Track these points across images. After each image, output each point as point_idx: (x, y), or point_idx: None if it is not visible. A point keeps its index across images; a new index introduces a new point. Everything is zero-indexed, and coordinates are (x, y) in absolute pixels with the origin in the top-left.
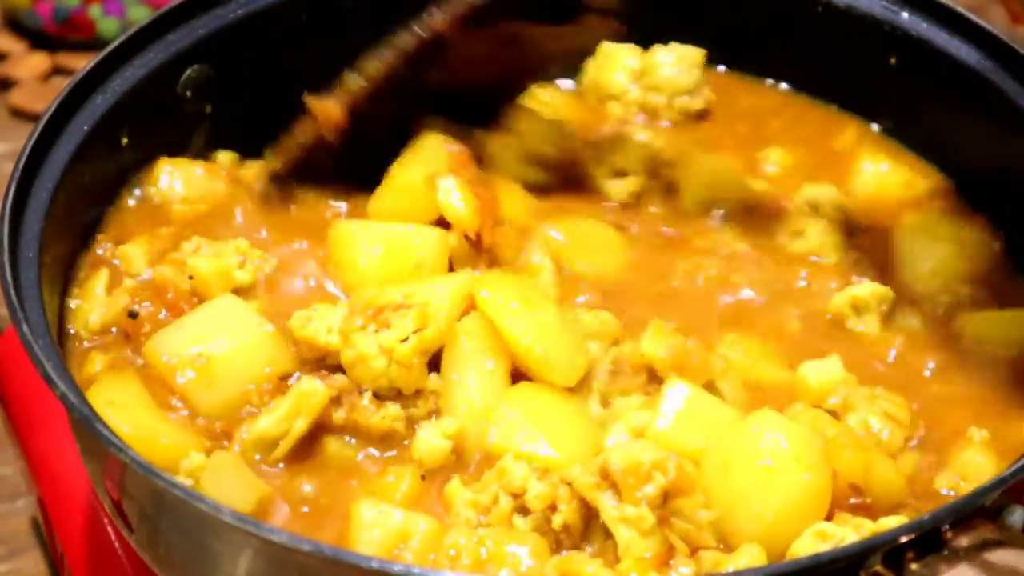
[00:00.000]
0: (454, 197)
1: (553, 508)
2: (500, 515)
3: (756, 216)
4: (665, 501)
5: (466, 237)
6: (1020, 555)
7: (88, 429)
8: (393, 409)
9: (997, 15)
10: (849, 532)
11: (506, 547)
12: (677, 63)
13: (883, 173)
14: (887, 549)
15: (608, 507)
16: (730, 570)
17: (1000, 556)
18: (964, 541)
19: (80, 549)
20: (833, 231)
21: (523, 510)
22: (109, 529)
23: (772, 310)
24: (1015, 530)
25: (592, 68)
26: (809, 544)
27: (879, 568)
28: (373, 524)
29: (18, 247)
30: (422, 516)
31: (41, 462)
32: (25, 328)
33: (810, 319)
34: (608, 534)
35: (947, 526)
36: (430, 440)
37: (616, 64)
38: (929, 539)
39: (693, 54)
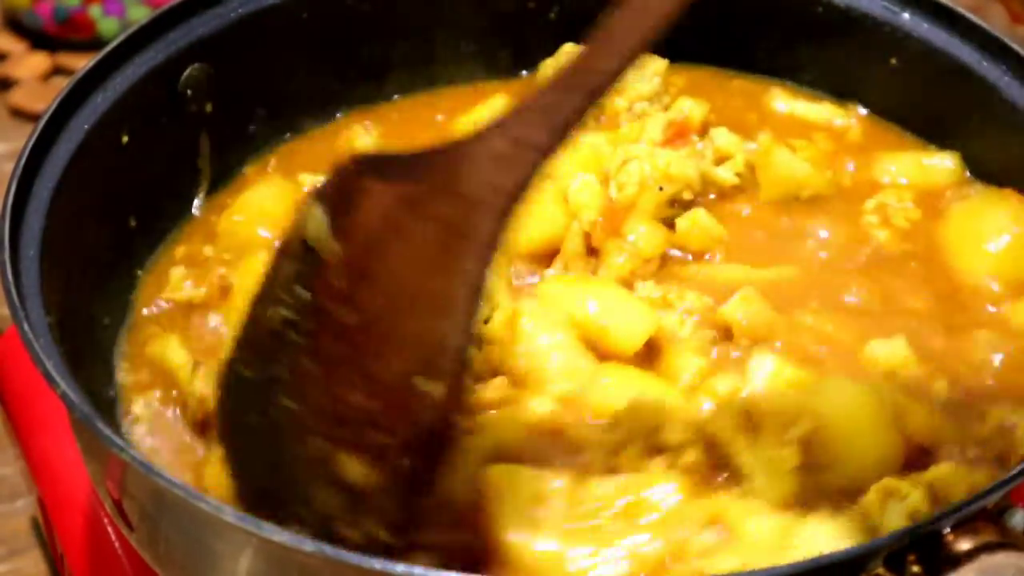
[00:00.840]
0: (580, 191)
1: (682, 449)
2: (633, 456)
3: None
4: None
5: (584, 235)
6: (1022, 558)
7: (89, 428)
8: None
9: (997, 15)
10: (909, 487)
11: (649, 489)
12: (639, 69)
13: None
14: (889, 552)
15: (747, 450)
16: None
17: (1002, 559)
18: (966, 544)
19: (80, 549)
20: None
21: (654, 452)
22: (109, 529)
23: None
24: (1017, 532)
25: (551, 69)
26: (874, 499)
27: (881, 571)
28: (509, 489)
29: (19, 246)
30: (551, 473)
31: (41, 462)
32: (26, 327)
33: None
34: (736, 480)
35: (948, 528)
36: (538, 408)
37: None
38: (930, 541)
39: (656, 63)
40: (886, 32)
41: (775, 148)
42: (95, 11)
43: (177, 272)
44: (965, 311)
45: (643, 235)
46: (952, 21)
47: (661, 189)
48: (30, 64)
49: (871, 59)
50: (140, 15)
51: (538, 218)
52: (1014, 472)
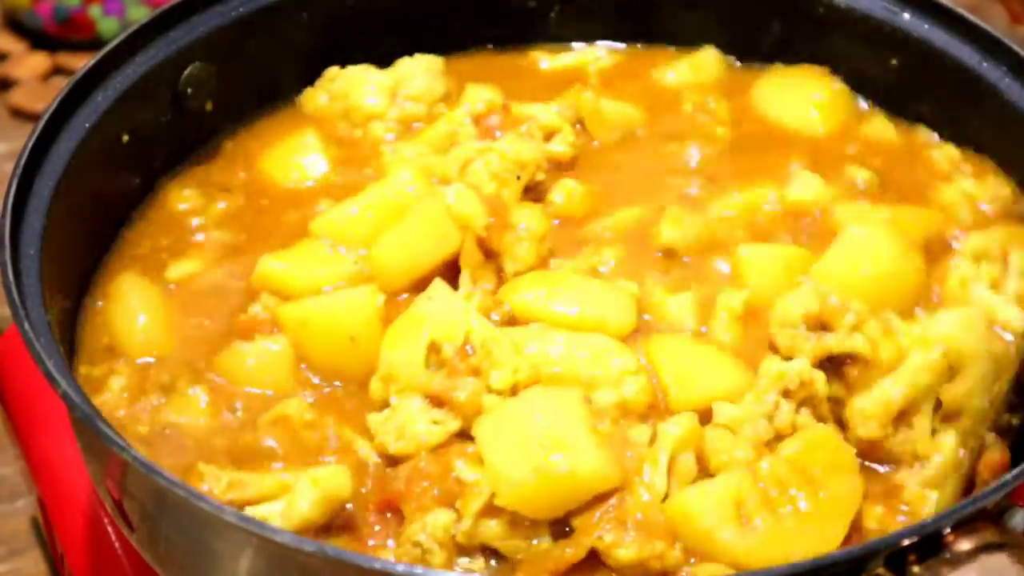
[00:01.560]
0: (461, 200)
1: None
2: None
3: None
4: None
5: (478, 241)
6: (1022, 558)
7: (89, 428)
8: None
9: (997, 15)
10: None
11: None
12: (426, 71)
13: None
14: (889, 552)
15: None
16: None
17: (1002, 559)
18: (966, 544)
19: (80, 549)
20: None
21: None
22: (109, 529)
23: None
24: (1017, 533)
25: (329, 95)
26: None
27: (881, 571)
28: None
29: (19, 245)
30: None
31: (41, 462)
32: (27, 326)
33: None
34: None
35: (949, 529)
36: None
37: (363, 85)
38: (931, 542)
39: (435, 62)
40: (886, 32)
41: (600, 101)
42: (95, 11)
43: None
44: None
45: (531, 218)
46: (952, 21)
47: (519, 178)
48: (30, 64)
49: (871, 59)
50: (140, 15)
51: (432, 240)
52: (1015, 473)
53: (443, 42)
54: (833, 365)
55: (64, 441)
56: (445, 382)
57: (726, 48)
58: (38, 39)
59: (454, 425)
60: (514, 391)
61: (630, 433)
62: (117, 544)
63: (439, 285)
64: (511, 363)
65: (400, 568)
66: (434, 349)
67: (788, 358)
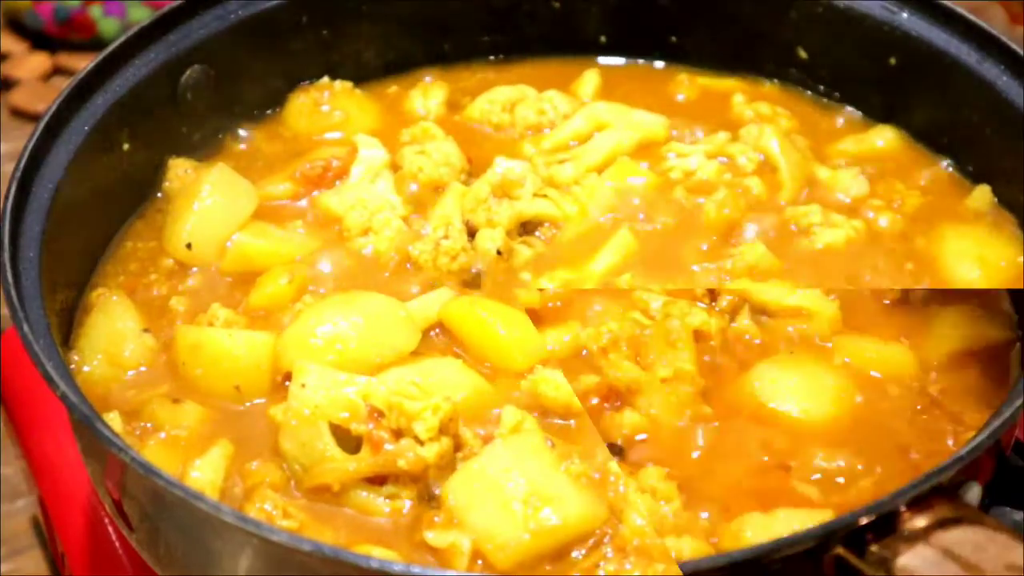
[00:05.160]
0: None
1: None
2: None
3: None
4: None
5: None
6: (978, 532)
7: (89, 429)
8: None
9: (997, 15)
10: None
11: None
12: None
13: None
14: (846, 532)
15: None
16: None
17: (957, 534)
18: (921, 521)
19: (81, 549)
20: None
21: None
22: (110, 529)
23: None
24: (972, 507)
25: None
26: None
27: (840, 550)
28: None
29: (19, 247)
30: None
31: (41, 462)
32: (26, 328)
33: None
34: None
35: (904, 506)
36: None
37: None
38: (887, 520)
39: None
40: (886, 32)
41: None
42: (95, 11)
43: None
44: None
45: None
46: (952, 21)
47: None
48: (31, 64)
49: (871, 58)
50: (141, 16)
51: None
52: (968, 448)
53: (448, 51)
54: None
55: (64, 441)
56: (377, 460)
57: (719, 52)
58: (39, 39)
59: (409, 493)
60: (443, 430)
61: (611, 464)
62: (117, 544)
63: (304, 368)
64: (427, 404)
65: (397, 567)
66: (339, 431)
67: None
